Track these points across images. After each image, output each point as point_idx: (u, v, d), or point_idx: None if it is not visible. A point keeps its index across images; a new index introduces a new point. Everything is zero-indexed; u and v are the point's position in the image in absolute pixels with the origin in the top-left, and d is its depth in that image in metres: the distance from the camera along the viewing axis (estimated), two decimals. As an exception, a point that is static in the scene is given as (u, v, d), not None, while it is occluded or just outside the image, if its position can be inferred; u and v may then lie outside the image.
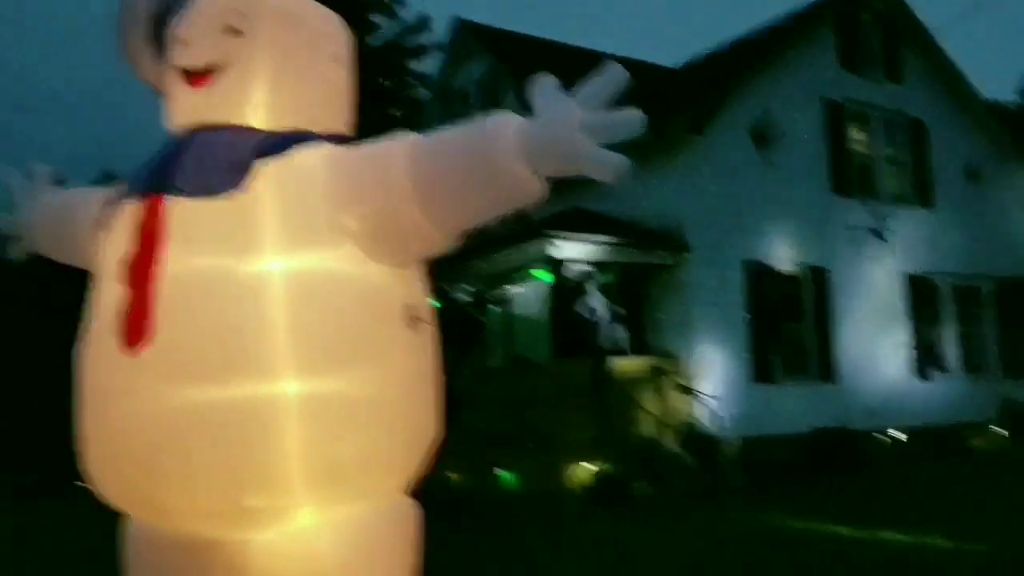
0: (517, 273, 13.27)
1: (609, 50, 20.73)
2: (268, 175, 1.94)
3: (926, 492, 10.36)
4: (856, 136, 16.00)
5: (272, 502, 1.86)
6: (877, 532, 7.59)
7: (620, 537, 8.41)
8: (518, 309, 15.36)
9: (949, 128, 17.25)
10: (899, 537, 7.31)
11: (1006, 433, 16.08)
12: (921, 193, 16.60)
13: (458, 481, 13.45)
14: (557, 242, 12.06)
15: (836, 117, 15.52)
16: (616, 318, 12.91)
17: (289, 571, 1.90)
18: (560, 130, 1.78)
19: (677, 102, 13.61)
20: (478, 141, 1.90)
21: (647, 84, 17.23)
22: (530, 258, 12.55)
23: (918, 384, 15.69)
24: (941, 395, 15.91)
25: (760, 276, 13.94)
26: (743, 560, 6.94)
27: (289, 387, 1.82)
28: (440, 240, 2.03)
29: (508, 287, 14.37)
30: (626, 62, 2.28)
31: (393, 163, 1.96)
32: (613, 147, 1.83)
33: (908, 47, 16.91)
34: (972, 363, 16.83)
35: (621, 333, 12.88)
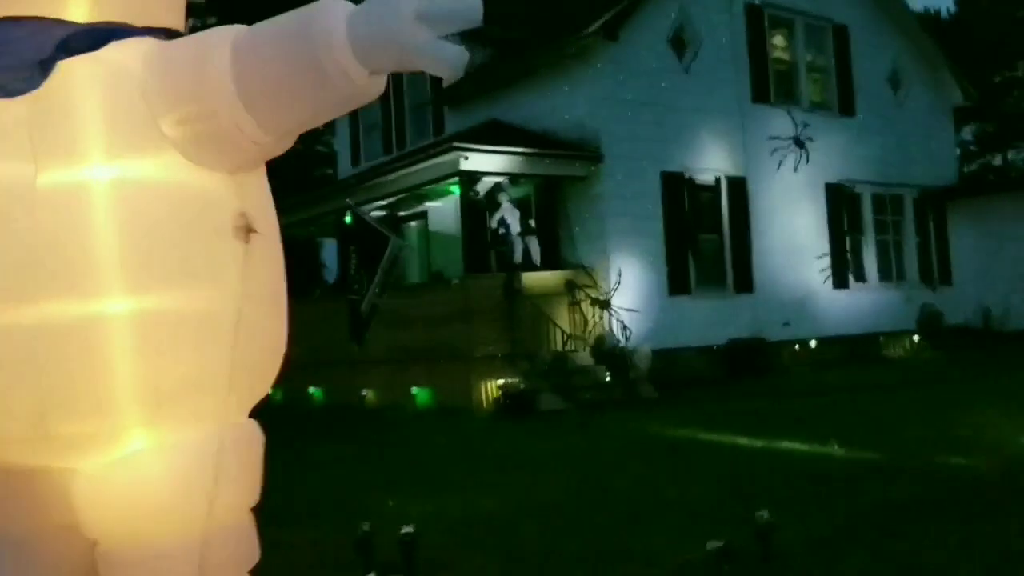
0: (431, 188, 12.85)
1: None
2: (76, 73, 1.71)
3: (831, 402, 10.46)
4: (777, 42, 15.74)
5: (94, 427, 1.72)
6: (775, 442, 7.61)
7: (523, 449, 8.35)
8: (434, 226, 15.03)
9: (873, 34, 17.08)
10: (796, 446, 7.33)
11: (922, 340, 16.48)
12: (843, 101, 16.50)
13: (371, 399, 13.33)
14: (467, 155, 11.66)
15: (757, 22, 15.20)
16: (529, 232, 12.66)
17: (119, 499, 1.75)
18: (391, 21, 1.56)
19: (590, 6, 13.10)
20: (302, 35, 1.66)
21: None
22: (442, 172, 12.15)
23: (836, 294, 15.87)
24: (859, 305, 16.15)
25: (677, 187, 13.78)
26: (635, 468, 6.91)
27: (113, 305, 1.68)
28: (271, 144, 1.77)
29: (422, 203, 13.98)
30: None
31: (212, 60, 1.73)
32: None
33: (833, -50, 16.54)
34: (891, 272, 17.09)
35: (534, 247, 12.65)
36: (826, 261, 15.74)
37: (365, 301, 10.73)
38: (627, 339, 12.24)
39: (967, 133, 41.91)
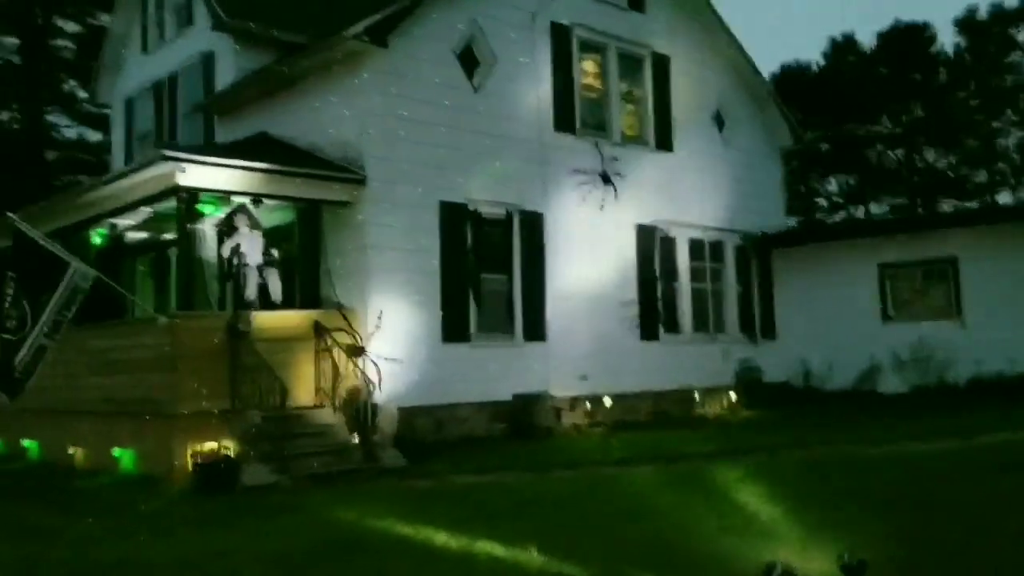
0: (144, 207, 10.90)
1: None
2: None
3: (597, 480, 9.11)
4: (587, 68, 14.69)
5: None
6: (475, 542, 6.12)
7: (143, 556, 6.47)
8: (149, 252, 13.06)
9: (696, 67, 16.35)
10: (497, 551, 5.87)
11: (739, 398, 15.59)
12: (660, 136, 15.60)
13: (80, 458, 11.19)
14: (184, 167, 9.81)
15: (563, 44, 14.09)
16: (269, 263, 10.90)
17: None
18: None
19: (374, 8, 11.58)
20: None
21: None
22: (157, 188, 10.25)
23: (645, 346, 14.80)
24: (671, 358, 15.15)
25: (459, 219, 12.36)
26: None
27: None
28: None
29: (126, 222, 11.99)
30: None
31: None
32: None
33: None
34: (707, 324, 16.22)
35: (273, 281, 10.90)
36: (634, 309, 14.65)
37: (28, 342, 8.69)
38: (371, 394, 10.57)
39: (832, 184, 43.29)
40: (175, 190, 9.96)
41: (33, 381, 8.71)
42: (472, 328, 12.38)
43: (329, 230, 11.81)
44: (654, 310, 15.09)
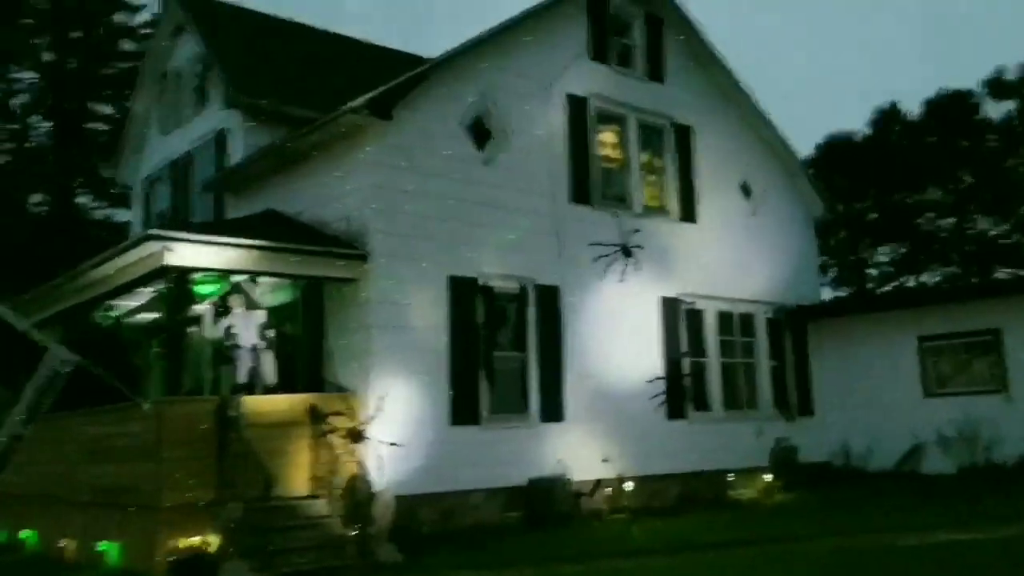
0: (140, 287, 10.63)
1: (341, 30, 18.64)
2: None
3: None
4: (606, 139, 14.34)
5: None
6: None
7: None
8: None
9: (721, 137, 15.94)
10: None
11: (775, 480, 14.63)
12: (684, 206, 15.11)
13: (71, 551, 10.71)
14: (172, 246, 9.53)
15: (579, 115, 13.80)
16: (265, 345, 10.49)
17: None
18: None
19: (365, 80, 11.43)
20: None
21: (337, 58, 15.07)
22: (143, 269, 9.97)
23: (671, 425, 14.03)
24: (700, 438, 14.36)
25: (469, 294, 11.90)
26: None
27: None
28: None
29: (131, 304, 11.72)
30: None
31: None
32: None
33: (675, 42, 15.48)
34: (740, 401, 15.39)
35: (267, 364, 10.48)
36: (659, 387, 13.93)
37: (4, 431, 8.30)
38: (368, 482, 9.97)
39: (883, 255, 42.33)
40: (163, 270, 9.66)
41: (8, 472, 8.28)
42: (483, 409, 11.78)
43: (333, 309, 11.44)
44: (681, 387, 14.36)
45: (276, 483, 9.83)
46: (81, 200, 26.05)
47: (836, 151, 40.58)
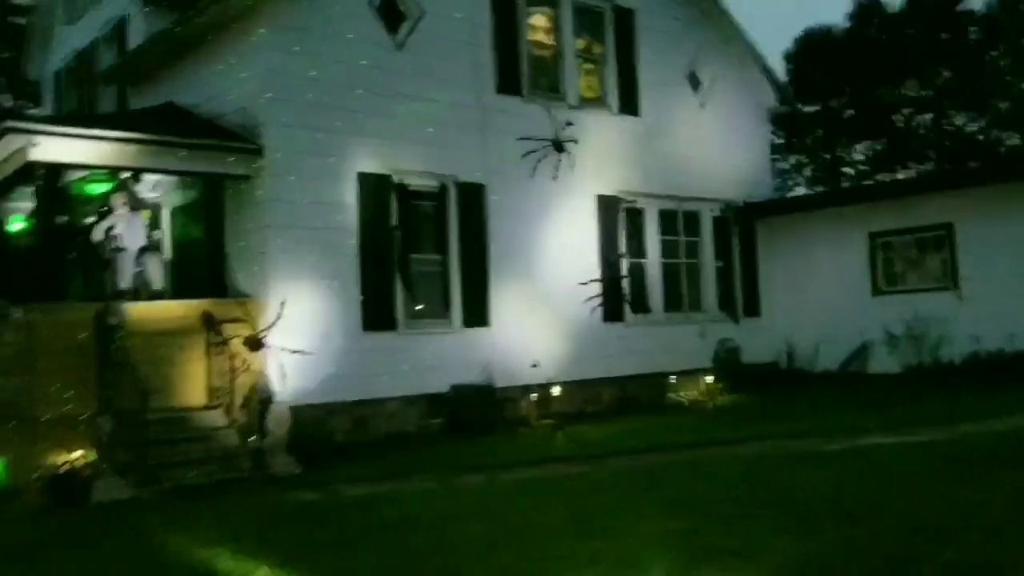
0: (8, 188, 9.84)
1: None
2: None
3: (495, 490, 7.99)
4: (537, 23, 13.38)
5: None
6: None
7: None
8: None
9: (667, 22, 14.97)
10: None
11: (718, 382, 14.30)
12: (624, 98, 14.27)
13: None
14: (38, 140, 8.71)
15: (507, -4, 12.80)
16: (150, 248, 9.81)
17: None
18: None
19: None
20: None
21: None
22: (11, 166, 9.17)
23: (609, 328, 13.58)
24: (639, 341, 13.93)
25: (382, 193, 11.19)
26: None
27: None
28: None
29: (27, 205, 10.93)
30: None
31: None
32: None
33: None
34: (681, 302, 14.93)
35: (154, 268, 9.84)
36: (595, 289, 13.42)
37: None
38: (269, 392, 9.47)
39: (860, 153, 41.58)
40: (30, 167, 8.86)
41: None
42: (399, 314, 11.24)
43: (232, 209, 10.71)
44: (619, 289, 13.86)
45: (165, 394, 9.32)
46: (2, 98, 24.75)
47: (814, 46, 39.26)
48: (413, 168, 11.45)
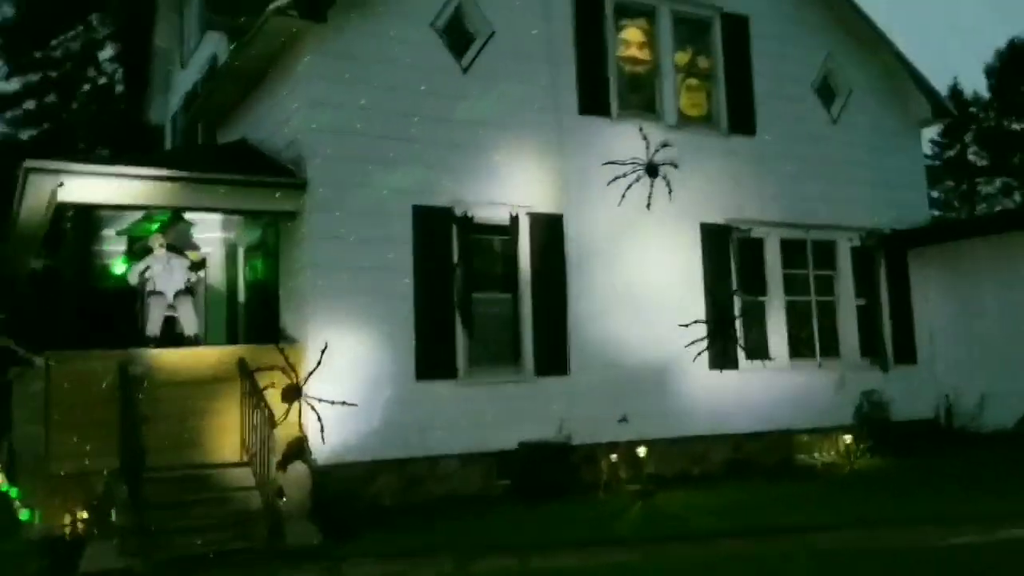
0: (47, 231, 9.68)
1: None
2: None
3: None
4: (629, 37, 12.08)
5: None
6: None
7: None
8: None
9: (789, 27, 13.26)
10: None
11: (859, 442, 12.17)
12: (736, 115, 12.65)
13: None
14: (63, 180, 8.41)
15: (593, 9, 11.60)
16: (185, 291, 9.30)
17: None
18: None
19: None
20: None
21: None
22: (37, 208, 8.95)
23: (716, 376, 11.89)
24: (756, 391, 12.14)
25: (441, 227, 10.24)
26: None
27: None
28: None
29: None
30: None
31: None
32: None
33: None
34: (812, 347, 12.94)
35: (186, 312, 9.28)
36: (699, 331, 11.78)
37: None
38: (299, 449, 8.66)
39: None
40: (60, 209, 8.58)
41: None
42: (460, 361, 10.18)
43: (284, 248, 10.11)
44: (730, 332, 12.13)
45: (195, 449, 8.74)
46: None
47: (1020, 58, 35.33)
48: (478, 199, 10.44)
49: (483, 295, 10.46)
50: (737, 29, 12.77)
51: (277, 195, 9.54)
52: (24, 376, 9.28)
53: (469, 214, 10.35)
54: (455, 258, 10.26)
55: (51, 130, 26.85)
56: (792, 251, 12.93)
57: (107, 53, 27.79)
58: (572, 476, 10.32)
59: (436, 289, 10.09)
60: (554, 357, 10.77)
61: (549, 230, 10.92)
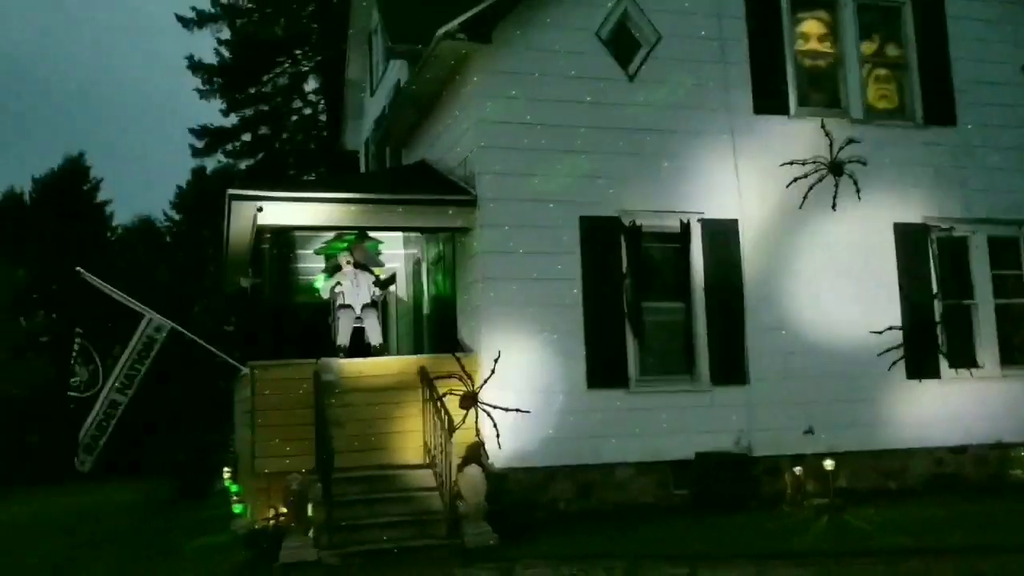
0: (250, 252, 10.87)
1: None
2: None
3: None
4: (808, 29, 11.82)
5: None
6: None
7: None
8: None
9: (994, 5, 12.41)
10: None
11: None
12: (932, 105, 12.01)
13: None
14: (262, 205, 9.52)
15: (766, 6, 11.47)
16: (370, 305, 10.16)
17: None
18: None
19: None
20: None
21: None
22: (241, 230, 10.12)
23: (914, 386, 11.34)
24: (961, 402, 11.47)
25: (610, 237, 10.48)
26: None
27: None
28: None
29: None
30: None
31: None
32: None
33: None
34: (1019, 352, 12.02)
35: (371, 324, 10.13)
36: (894, 338, 11.29)
37: (101, 398, 8.93)
38: (476, 453, 9.23)
39: None
40: (260, 231, 9.71)
41: (105, 439, 8.89)
42: (631, 370, 10.38)
43: (459, 262, 10.80)
44: (930, 338, 11.52)
45: (380, 451, 9.55)
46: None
47: None
48: (647, 207, 10.62)
49: (653, 304, 10.60)
50: (931, 12, 12.12)
51: (450, 212, 10.21)
52: (238, 385, 10.51)
53: (637, 223, 10.55)
54: (624, 267, 10.46)
55: (264, 159, 29.75)
56: (1000, 250, 12.06)
57: (311, 85, 30.45)
58: (752, 488, 10.23)
59: (605, 298, 10.36)
60: (731, 366, 10.71)
61: (723, 236, 10.88)
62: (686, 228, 10.79)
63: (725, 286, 10.82)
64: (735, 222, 10.96)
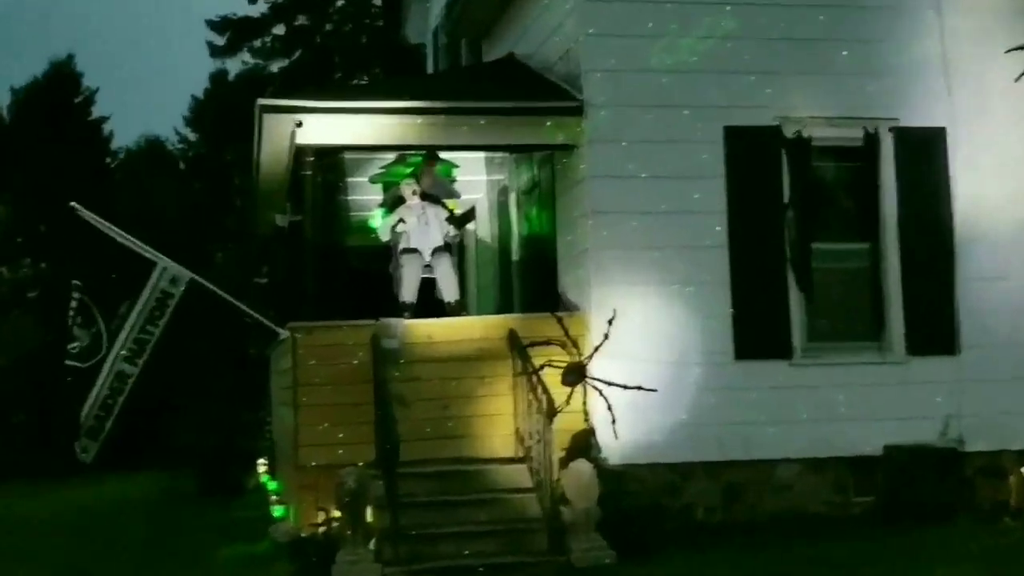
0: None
1: None
2: None
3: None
4: None
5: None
6: None
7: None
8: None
9: None
10: None
11: None
12: None
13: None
14: (301, 119, 9.79)
15: None
16: (443, 248, 10.41)
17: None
18: None
19: None
20: None
21: None
22: (273, 151, 10.47)
23: None
24: None
25: (766, 154, 10.53)
26: None
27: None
28: None
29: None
30: None
31: None
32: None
33: None
34: None
35: (444, 273, 10.37)
36: None
37: (106, 369, 9.47)
38: (587, 443, 9.40)
39: None
40: (299, 153, 10.00)
41: (112, 421, 9.40)
42: (796, 335, 10.43)
43: (560, 191, 10.93)
44: None
45: (459, 440, 9.83)
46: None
47: None
48: (817, 113, 10.61)
49: (826, 245, 10.67)
50: None
51: (548, 123, 10.34)
52: (275, 352, 10.93)
53: (805, 134, 10.54)
54: (786, 196, 10.52)
55: (303, 58, 30.27)
56: None
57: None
58: (964, 494, 10.24)
59: (760, 238, 10.42)
60: (934, 330, 10.71)
61: (924, 152, 10.83)
62: (873, 140, 10.76)
63: (927, 221, 10.84)
64: (942, 131, 10.86)
